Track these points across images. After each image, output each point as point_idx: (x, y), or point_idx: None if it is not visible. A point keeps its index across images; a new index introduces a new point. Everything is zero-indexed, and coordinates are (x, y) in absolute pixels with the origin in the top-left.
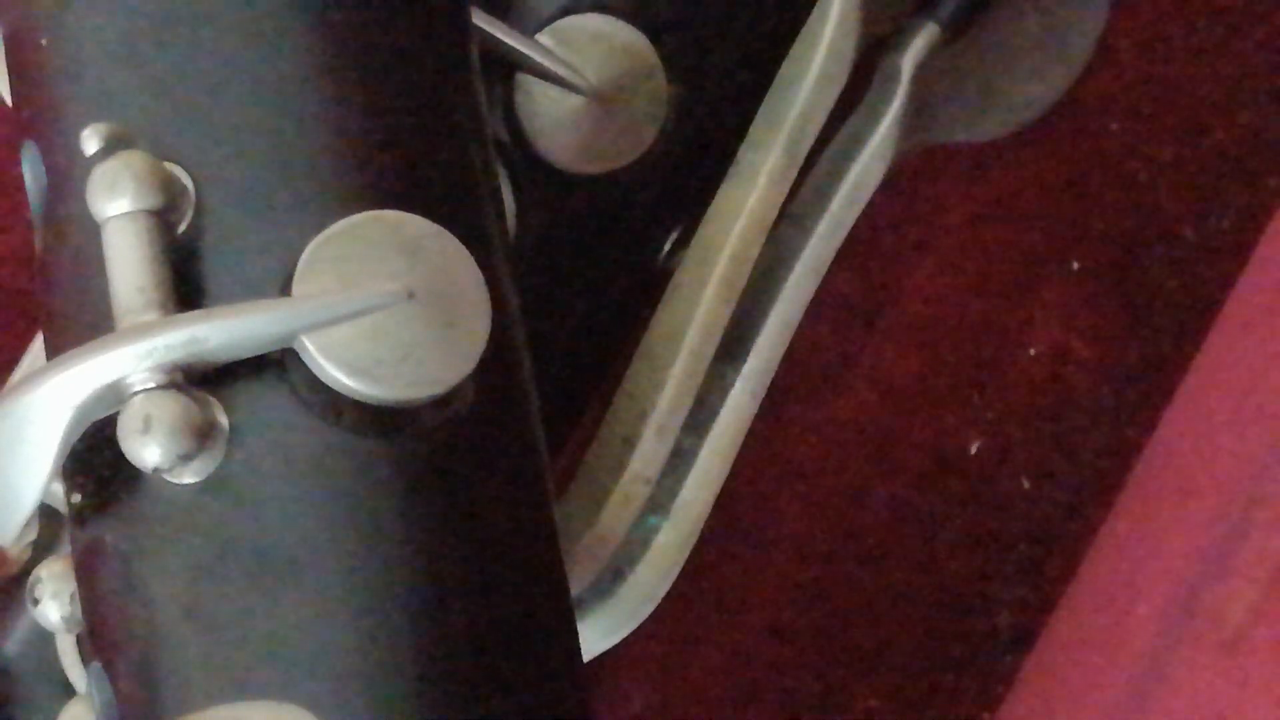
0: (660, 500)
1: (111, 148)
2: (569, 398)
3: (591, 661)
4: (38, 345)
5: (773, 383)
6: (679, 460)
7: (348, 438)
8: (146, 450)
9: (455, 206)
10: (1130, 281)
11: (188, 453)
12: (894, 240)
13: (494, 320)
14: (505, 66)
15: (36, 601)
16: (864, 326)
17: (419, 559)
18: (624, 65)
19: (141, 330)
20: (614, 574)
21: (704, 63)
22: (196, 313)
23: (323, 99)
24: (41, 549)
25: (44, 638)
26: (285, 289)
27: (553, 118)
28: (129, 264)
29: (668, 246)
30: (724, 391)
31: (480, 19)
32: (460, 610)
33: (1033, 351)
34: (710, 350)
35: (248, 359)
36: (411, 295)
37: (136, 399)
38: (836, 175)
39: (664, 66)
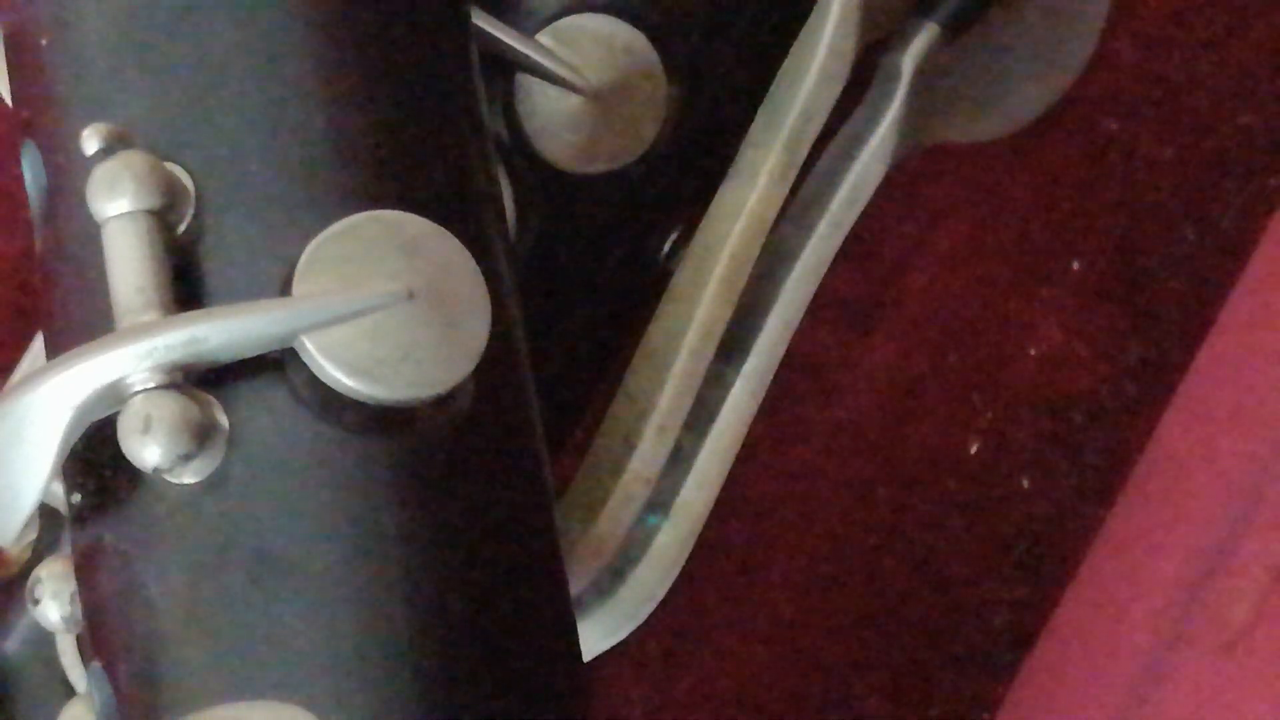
0: (660, 500)
1: (111, 148)
2: (569, 398)
3: (591, 661)
4: (38, 345)
5: (773, 383)
6: (679, 460)
7: (348, 438)
8: (146, 450)
9: (455, 206)
10: (1130, 281)
11: (188, 453)
12: (894, 240)
13: (494, 320)
14: (505, 66)
15: (36, 601)
16: (864, 326)
17: (419, 559)
18: (624, 65)
19: (141, 330)
20: (614, 574)
21: (704, 63)
22: (196, 313)
23: (323, 99)
24: (41, 549)
25: (44, 638)
26: (285, 289)
27: (553, 118)
28: (129, 264)
29: (668, 246)
30: (724, 391)
31: (480, 19)
32: (460, 610)
33: (1033, 351)
34: (710, 350)
35: (248, 359)
36: (411, 295)
37: (136, 399)
38: (836, 175)
39: (664, 66)
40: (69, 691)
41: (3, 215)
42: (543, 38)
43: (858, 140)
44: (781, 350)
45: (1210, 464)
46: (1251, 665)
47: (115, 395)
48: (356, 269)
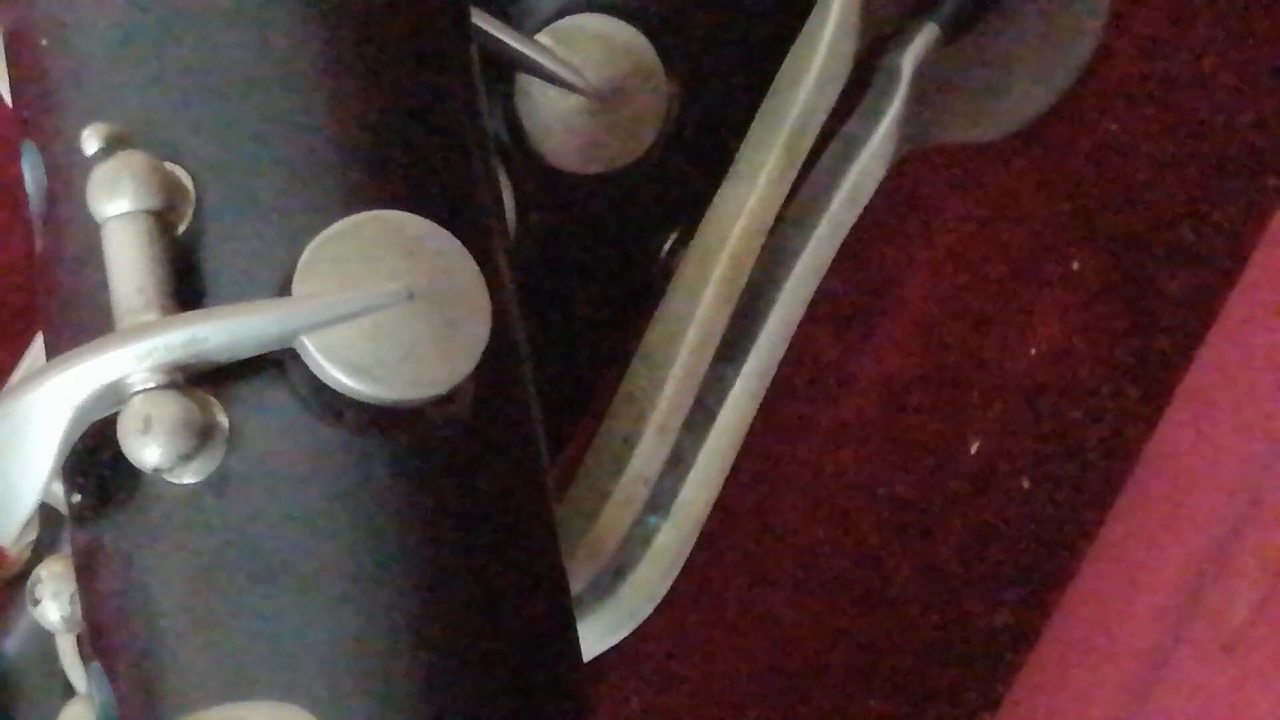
0: (660, 500)
1: (111, 148)
2: (569, 398)
3: (591, 661)
4: (38, 345)
5: (773, 383)
6: (679, 460)
7: (348, 438)
8: (146, 450)
9: (455, 206)
10: (1130, 281)
11: (188, 453)
12: (894, 240)
13: (494, 320)
14: (505, 66)
15: (36, 601)
16: (864, 326)
17: (418, 559)
18: (624, 65)
19: (141, 330)
20: (614, 574)
21: (704, 63)
22: (196, 313)
23: (323, 99)
24: (41, 549)
25: (44, 638)
26: (285, 289)
27: (553, 118)
28: (129, 264)
29: (668, 246)
30: (724, 391)
31: (480, 19)
32: (459, 610)
33: (1033, 351)
34: (710, 350)
35: (248, 359)
36: (411, 295)
37: (136, 399)
38: (836, 175)
39: (664, 66)
40: (69, 691)
41: (2, 215)
42: (543, 38)
43: (858, 141)
44: (781, 350)
45: (1210, 464)
46: (1251, 665)
47: (115, 395)
48: (356, 269)
